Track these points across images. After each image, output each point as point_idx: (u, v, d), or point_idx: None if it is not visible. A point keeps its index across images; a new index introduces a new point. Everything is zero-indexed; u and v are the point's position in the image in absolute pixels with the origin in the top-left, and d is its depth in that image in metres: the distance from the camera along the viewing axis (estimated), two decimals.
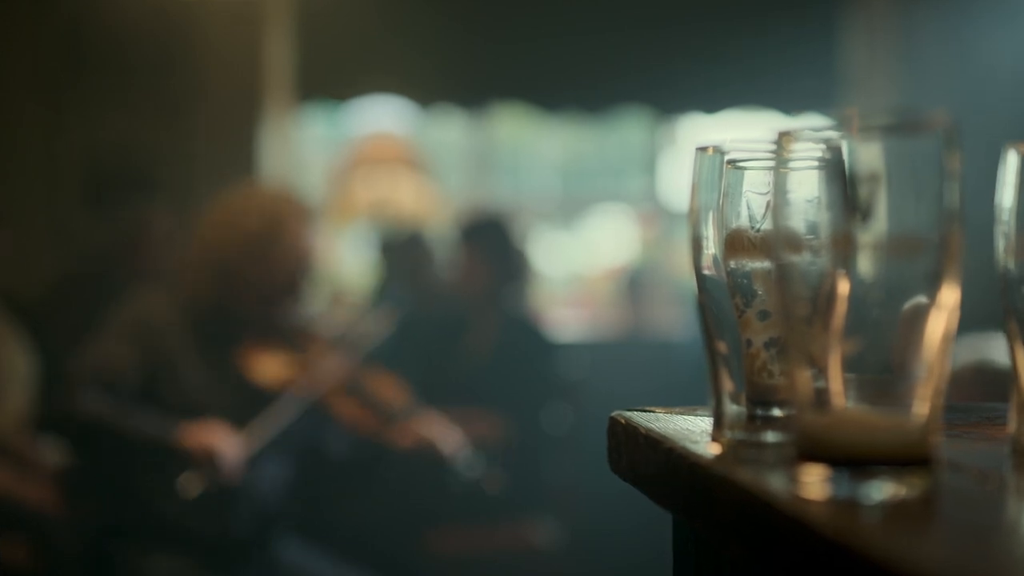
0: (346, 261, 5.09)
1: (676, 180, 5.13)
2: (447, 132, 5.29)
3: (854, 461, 0.59)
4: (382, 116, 4.95)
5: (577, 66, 4.82)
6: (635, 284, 4.91)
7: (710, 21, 4.89)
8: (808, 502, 0.58)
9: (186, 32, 4.48)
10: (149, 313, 2.60)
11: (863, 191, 0.60)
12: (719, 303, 0.76)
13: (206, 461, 2.42)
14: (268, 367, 2.64)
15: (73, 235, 4.43)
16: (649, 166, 5.29)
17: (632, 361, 4.71)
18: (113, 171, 4.48)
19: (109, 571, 2.59)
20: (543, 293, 4.48)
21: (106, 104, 4.48)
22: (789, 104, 4.99)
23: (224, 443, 2.42)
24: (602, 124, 5.14)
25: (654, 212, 5.17)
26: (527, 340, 3.71)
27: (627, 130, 5.28)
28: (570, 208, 5.34)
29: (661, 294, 4.96)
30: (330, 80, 4.72)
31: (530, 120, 5.25)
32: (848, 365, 0.61)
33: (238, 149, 4.40)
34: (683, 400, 3.68)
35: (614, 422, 0.85)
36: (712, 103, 4.96)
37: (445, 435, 2.76)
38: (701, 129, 5.12)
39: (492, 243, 3.76)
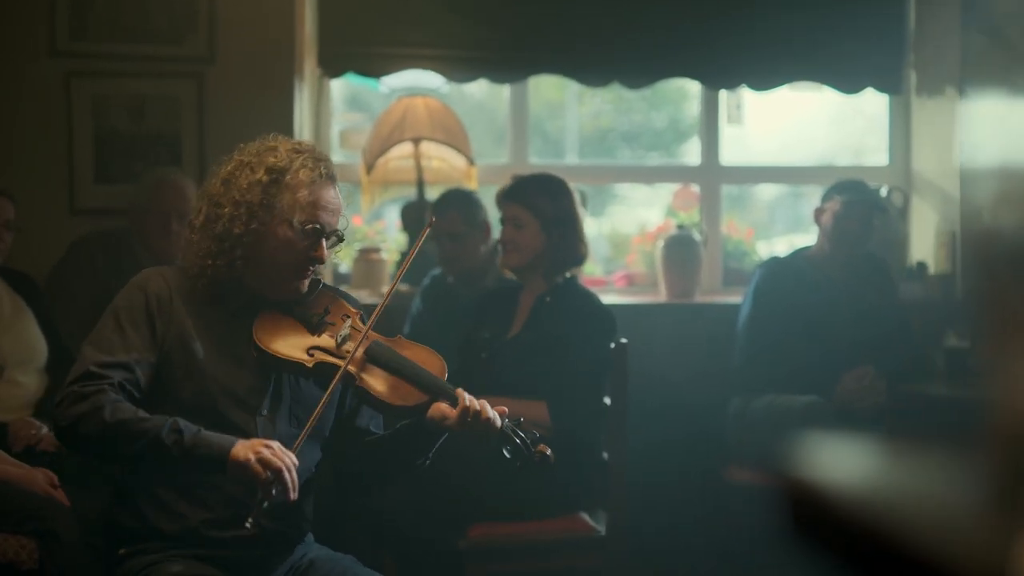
0: (376, 231, 4.86)
1: (725, 148, 4.87)
2: (484, 101, 5.07)
3: None
4: (415, 84, 4.72)
5: (620, 37, 4.55)
6: (678, 249, 4.61)
7: None
8: None
9: None
10: (159, 289, 2.33)
11: None
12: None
13: (272, 484, 2.13)
14: (286, 340, 2.35)
15: (88, 204, 4.21)
16: (691, 135, 5.03)
17: (675, 327, 4.47)
18: (128, 137, 4.28)
19: (119, 569, 2.35)
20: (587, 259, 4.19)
21: (121, 68, 4.23)
22: (848, 81, 4.72)
23: (288, 461, 2.15)
24: (644, 95, 4.90)
25: (698, 178, 4.90)
26: (575, 313, 3.41)
27: (670, 101, 5.05)
28: (608, 178, 5.09)
29: (706, 259, 4.69)
30: (361, 49, 4.48)
31: (568, 90, 5.02)
32: None
33: (263, 118, 4.15)
34: (725, 364, 3.37)
35: (793, 492, 0.58)
36: (762, 77, 4.68)
37: (493, 403, 2.41)
38: (751, 100, 4.85)
39: (531, 204, 3.42)
